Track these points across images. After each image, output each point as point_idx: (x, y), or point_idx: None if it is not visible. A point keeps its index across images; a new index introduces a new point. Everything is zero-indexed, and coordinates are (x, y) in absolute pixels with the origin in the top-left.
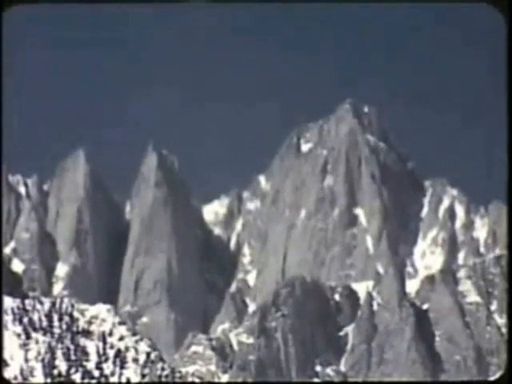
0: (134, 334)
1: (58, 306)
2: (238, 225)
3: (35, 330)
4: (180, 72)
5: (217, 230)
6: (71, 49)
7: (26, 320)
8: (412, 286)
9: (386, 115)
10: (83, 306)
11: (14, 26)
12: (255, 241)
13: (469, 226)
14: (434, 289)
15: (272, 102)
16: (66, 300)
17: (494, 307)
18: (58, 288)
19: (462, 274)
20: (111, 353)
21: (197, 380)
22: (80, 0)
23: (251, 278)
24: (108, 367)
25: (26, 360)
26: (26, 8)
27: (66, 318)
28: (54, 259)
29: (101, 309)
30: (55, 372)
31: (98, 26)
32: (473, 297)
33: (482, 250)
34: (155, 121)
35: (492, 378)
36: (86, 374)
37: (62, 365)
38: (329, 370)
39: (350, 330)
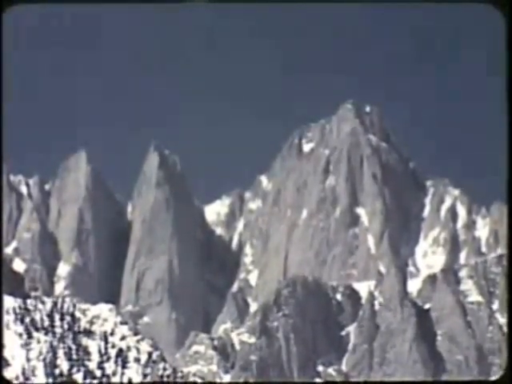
0: (136, 333)
1: (59, 305)
2: (240, 225)
3: (37, 329)
4: (179, 71)
5: (218, 230)
6: (71, 49)
7: (27, 320)
8: (414, 286)
9: (386, 115)
10: (85, 306)
11: (13, 26)
12: (257, 241)
13: (470, 225)
14: (436, 288)
15: (272, 101)
16: (67, 300)
17: (495, 307)
18: (59, 288)
19: (463, 273)
20: (113, 352)
21: (198, 380)
22: (80, 0)
23: (253, 278)
24: (110, 367)
25: (28, 360)
26: (26, 8)
27: (68, 318)
28: (56, 259)
29: (102, 308)
30: (57, 372)
31: (99, 26)
32: (474, 296)
33: (483, 249)
34: (156, 120)
35: (493, 378)
36: (88, 373)
37: (63, 364)
38: (330, 370)
39: (351, 329)
